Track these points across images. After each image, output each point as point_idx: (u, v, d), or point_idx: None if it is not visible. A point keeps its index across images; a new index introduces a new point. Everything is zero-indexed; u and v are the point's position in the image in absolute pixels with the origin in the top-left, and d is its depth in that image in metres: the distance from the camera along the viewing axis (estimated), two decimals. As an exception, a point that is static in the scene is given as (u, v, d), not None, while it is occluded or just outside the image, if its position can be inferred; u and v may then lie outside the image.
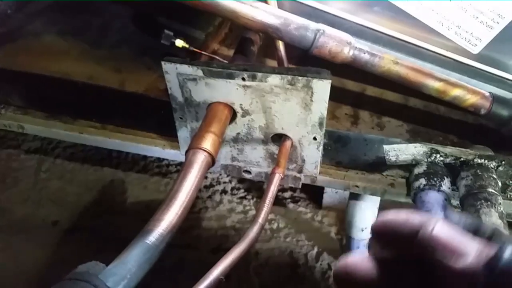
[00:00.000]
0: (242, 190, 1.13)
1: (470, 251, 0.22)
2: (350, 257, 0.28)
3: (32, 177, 1.16)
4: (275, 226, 1.04)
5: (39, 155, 1.20)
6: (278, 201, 1.09)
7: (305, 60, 0.61)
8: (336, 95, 0.78)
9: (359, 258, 0.28)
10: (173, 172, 1.11)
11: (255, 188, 1.13)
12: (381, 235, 0.27)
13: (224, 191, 1.11)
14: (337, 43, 0.55)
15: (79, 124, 0.77)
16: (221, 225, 1.04)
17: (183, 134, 0.68)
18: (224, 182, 1.13)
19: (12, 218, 1.07)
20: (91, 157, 1.19)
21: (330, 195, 1.03)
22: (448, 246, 0.22)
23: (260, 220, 0.51)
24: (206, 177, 1.14)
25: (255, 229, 0.50)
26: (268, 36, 0.59)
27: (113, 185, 1.12)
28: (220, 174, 1.12)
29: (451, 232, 0.23)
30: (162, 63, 0.57)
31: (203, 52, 0.67)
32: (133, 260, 0.39)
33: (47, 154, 1.19)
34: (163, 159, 1.17)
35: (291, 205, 1.10)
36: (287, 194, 1.12)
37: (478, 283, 0.21)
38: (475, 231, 0.24)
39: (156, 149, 0.74)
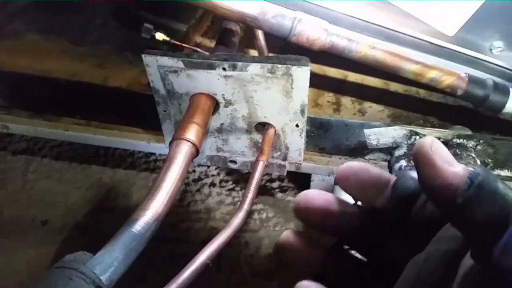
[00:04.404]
0: (230, 182, 1.13)
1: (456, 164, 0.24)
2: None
3: (20, 178, 1.15)
4: (264, 216, 1.04)
5: (26, 155, 1.19)
6: (266, 191, 1.09)
7: (287, 51, 0.62)
8: (319, 83, 0.79)
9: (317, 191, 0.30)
10: (161, 167, 1.11)
11: (244, 180, 1.12)
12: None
13: (212, 184, 1.12)
14: (314, 30, 0.56)
15: (64, 121, 0.78)
16: (211, 217, 1.04)
17: (168, 127, 0.68)
18: (213, 175, 1.14)
19: (1, 220, 1.06)
20: (78, 155, 1.19)
21: (317, 183, 1.04)
22: (442, 155, 0.24)
23: (246, 206, 0.52)
24: (194, 171, 1.14)
25: (240, 215, 0.51)
26: (247, 25, 0.59)
27: (102, 182, 1.11)
28: (208, 167, 1.12)
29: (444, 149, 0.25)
30: (143, 56, 0.57)
31: (184, 45, 0.68)
32: (120, 248, 0.39)
33: (34, 154, 1.18)
34: (151, 155, 1.17)
35: (279, 195, 1.11)
36: (275, 184, 1.12)
37: (458, 193, 0.22)
38: None
39: (141, 143, 0.74)
